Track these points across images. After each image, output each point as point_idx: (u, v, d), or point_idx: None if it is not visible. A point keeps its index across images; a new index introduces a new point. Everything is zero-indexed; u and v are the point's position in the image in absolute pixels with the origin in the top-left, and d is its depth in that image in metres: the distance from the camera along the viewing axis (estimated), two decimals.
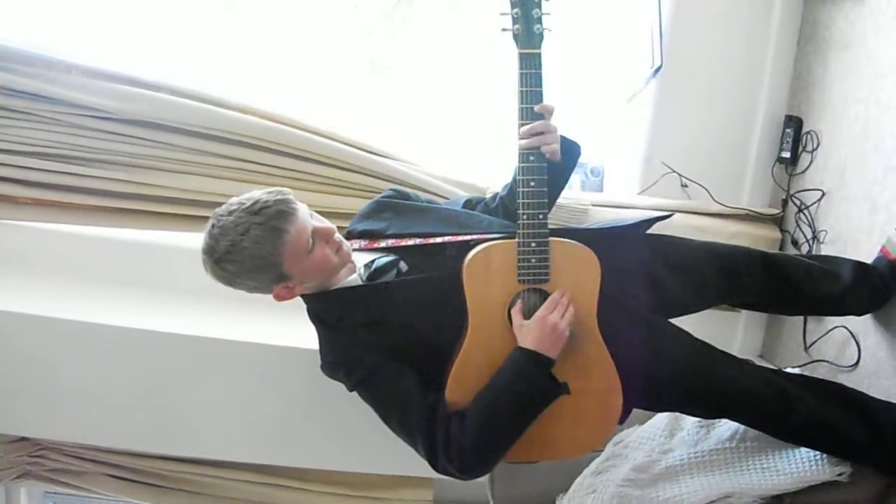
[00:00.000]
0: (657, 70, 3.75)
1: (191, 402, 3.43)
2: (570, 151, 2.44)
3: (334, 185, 3.42)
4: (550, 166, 2.29)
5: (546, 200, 2.27)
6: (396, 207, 2.61)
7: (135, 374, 3.36)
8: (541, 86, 2.25)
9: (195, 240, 3.27)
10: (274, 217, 2.16)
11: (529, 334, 2.23)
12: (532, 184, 2.26)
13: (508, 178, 2.62)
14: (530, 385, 2.22)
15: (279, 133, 3.33)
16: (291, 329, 3.16)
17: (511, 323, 2.28)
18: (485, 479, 3.47)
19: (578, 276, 2.32)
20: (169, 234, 3.52)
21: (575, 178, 4.11)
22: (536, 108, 2.25)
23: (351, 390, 2.36)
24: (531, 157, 2.27)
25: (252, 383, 3.43)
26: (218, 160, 3.37)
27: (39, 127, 3.27)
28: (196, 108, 3.27)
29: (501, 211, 2.64)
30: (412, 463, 3.45)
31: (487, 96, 4.01)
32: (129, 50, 3.83)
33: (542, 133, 2.25)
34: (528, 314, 2.28)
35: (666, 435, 3.13)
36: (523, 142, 2.26)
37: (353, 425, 3.34)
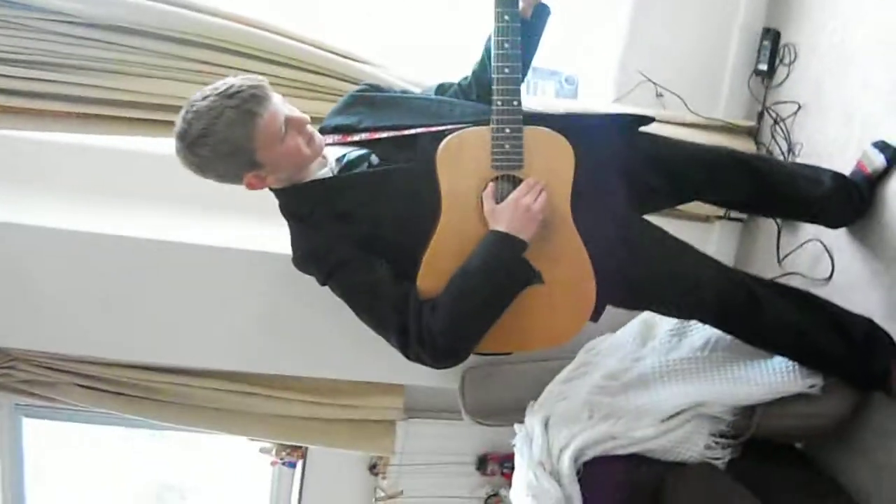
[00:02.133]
0: None
1: (160, 309, 3.42)
2: (541, 10, 2.47)
3: (303, 89, 3.37)
4: (523, 26, 2.28)
5: (519, 87, 2.27)
6: (369, 101, 2.59)
7: (104, 281, 3.34)
8: None
9: (163, 145, 3.26)
10: (248, 100, 2.15)
11: (502, 216, 2.23)
12: (506, 70, 2.24)
13: (480, 55, 2.61)
14: (503, 267, 2.23)
15: (247, 36, 3.26)
16: (261, 233, 3.14)
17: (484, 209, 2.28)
18: (455, 386, 3.49)
19: (552, 163, 2.31)
20: (137, 140, 3.46)
21: (549, 86, 4.09)
22: None
23: (322, 283, 2.35)
24: (506, 17, 2.24)
25: (222, 289, 3.42)
26: (186, 63, 3.30)
27: (6, 32, 3.18)
28: (164, 11, 3.19)
29: (475, 87, 2.63)
30: (383, 370, 3.50)
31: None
32: None
33: None
34: (500, 200, 2.27)
35: (638, 343, 3.14)
36: None
37: (323, 332, 3.35)
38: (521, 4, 2.30)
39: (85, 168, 3.54)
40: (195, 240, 3.31)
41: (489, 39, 2.37)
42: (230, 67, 3.29)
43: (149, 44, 3.25)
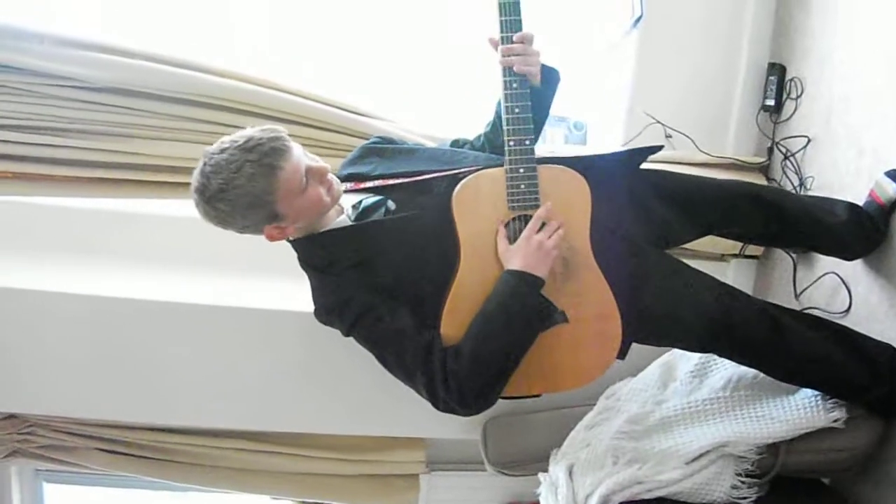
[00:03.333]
0: (638, 20, 3.71)
1: (179, 371, 3.42)
2: (550, 76, 2.44)
3: (314, 146, 3.36)
4: (532, 93, 2.30)
5: (532, 126, 2.27)
6: (382, 151, 2.58)
7: (122, 345, 3.34)
8: (520, 15, 2.29)
9: (177, 207, 3.27)
10: (268, 154, 2.12)
11: (515, 255, 2.23)
12: (517, 110, 2.26)
13: (491, 116, 2.62)
14: (521, 304, 2.20)
15: (257, 95, 3.29)
16: (278, 292, 3.14)
17: None
18: (477, 437, 3.46)
19: (569, 200, 2.31)
20: (150, 203, 3.46)
21: (558, 133, 4.10)
22: (515, 37, 2.27)
23: (346, 334, 2.31)
24: (514, 84, 2.27)
25: (240, 349, 3.41)
26: (196, 125, 3.32)
27: (14, 99, 3.21)
28: (171, 73, 3.22)
29: (487, 148, 2.63)
30: (403, 424, 3.48)
31: (467, 51, 3.96)
32: (110, 20, 3.77)
33: (521, 54, 2.27)
34: (514, 240, 2.26)
35: (659, 386, 3.12)
36: (503, 59, 2.27)
37: (343, 388, 3.34)
38: (526, 70, 2.31)
39: (97, 232, 3.56)
40: (211, 301, 3.31)
41: (499, 103, 2.37)
42: (238, 127, 3.26)
43: (155, 106, 3.28)
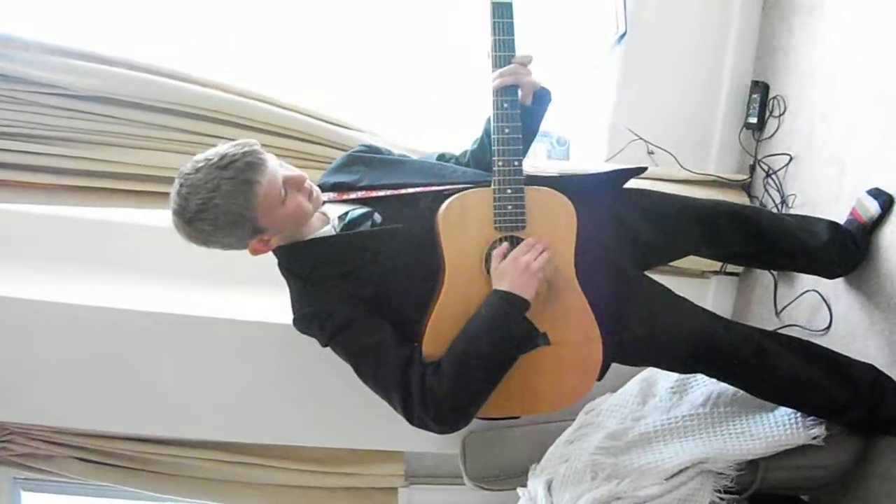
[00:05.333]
0: (622, 37, 3.73)
1: (156, 381, 3.38)
2: (541, 96, 2.44)
3: (297, 158, 3.36)
4: (522, 112, 2.30)
5: (521, 147, 2.27)
6: (368, 161, 2.56)
7: (100, 354, 3.32)
8: (513, 34, 2.29)
9: (157, 216, 3.25)
10: (244, 169, 2.09)
11: (503, 276, 2.20)
12: (506, 130, 2.26)
13: (479, 133, 2.61)
14: (506, 326, 2.19)
15: (239, 106, 3.28)
16: (256, 304, 3.13)
17: (488, 270, 2.25)
18: (456, 451, 3.46)
19: (555, 223, 2.31)
20: (131, 211, 3.45)
21: (541, 148, 4.11)
22: (515, 59, 2.28)
23: (324, 345, 2.29)
24: (505, 104, 2.27)
25: (219, 360, 3.39)
26: (179, 135, 3.31)
27: None
28: (154, 82, 3.20)
29: (472, 165, 2.61)
30: (382, 437, 3.47)
31: (454, 65, 3.97)
32: (96, 28, 3.76)
33: (515, 73, 2.28)
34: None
35: (638, 402, 3.12)
36: (497, 81, 2.27)
37: (321, 400, 3.33)
38: (519, 93, 2.32)
39: (76, 240, 3.53)
40: (189, 311, 3.29)
41: (488, 121, 2.38)
42: (221, 137, 3.25)
43: (139, 115, 3.26)
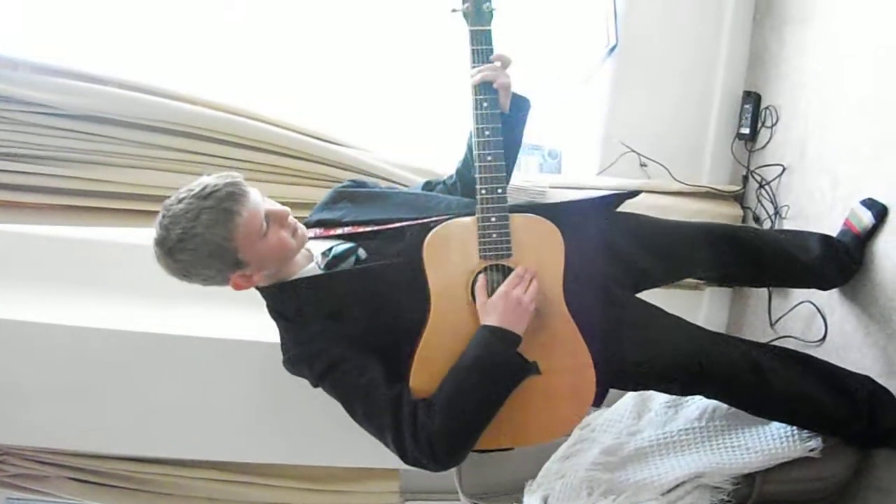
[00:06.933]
0: (612, 49, 3.73)
1: (150, 401, 3.37)
2: (520, 104, 2.43)
3: (288, 175, 3.37)
4: (503, 121, 2.29)
5: (504, 174, 2.25)
6: (352, 196, 2.55)
7: (93, 375, 3.31)
8: (491, 44, 2.32)
9: (150, 235, 3.24)
10: (224, 199, 2.08)
11: (493, 311, 2.18)
12: (489, 157, 2.24)
13: (462, 151, 2.59)
14: (497, 363, 2.16)
15: (229, 123, 3.27)
16: (251, 323, 3.11)
17: (475, 301, 2.23)
18: (452, 468, 3.44)
19: (542, 250, 2.28)
20: (123, 231, 3.44)
21: (533, 161, 4.10)
22: (492, 56, 2.30)
23: (315, 385, 2.28)
24: (485, 104, 2.26)
25: (212, 379, 3.39)
26: (169, 153, 3.30)
27: None
28: (144, 101, 3.20)
29: (460, 186, 2.61)
30: (378, 455, 3.44)
31: (440, 81, 3.96)
32: (85, 47, 3.75)
33: (492, 70, 2.28)
34: (491, 292, 2.22)
35: (633, 416, 3.11)
36: (477, 77, 2.27)
37: (316, 419, 3.30)
38: (498, 83, 2.30)
39: (67, 259, 3.52)
40: (182, 331, 3.29)
41: (471, 136, 2.36)
42: (211, 155, 3.29)
43: (129, 133, 3.25)
